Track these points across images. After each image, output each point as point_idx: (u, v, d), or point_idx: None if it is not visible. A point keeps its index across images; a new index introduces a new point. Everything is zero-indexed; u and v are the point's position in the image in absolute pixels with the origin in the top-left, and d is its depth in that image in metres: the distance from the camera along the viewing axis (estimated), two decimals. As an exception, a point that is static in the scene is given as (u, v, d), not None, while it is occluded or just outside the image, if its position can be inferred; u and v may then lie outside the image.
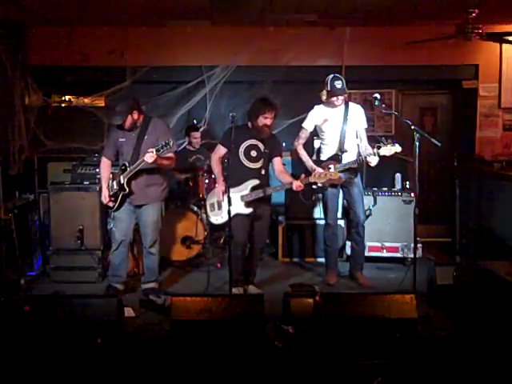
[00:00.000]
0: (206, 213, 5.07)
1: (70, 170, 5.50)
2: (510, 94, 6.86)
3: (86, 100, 6.66)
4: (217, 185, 4.88)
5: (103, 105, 6.63)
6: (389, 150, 4.70)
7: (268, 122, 4.67)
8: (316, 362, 3.43)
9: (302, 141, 5.19)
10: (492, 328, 3.85)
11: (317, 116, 5.10)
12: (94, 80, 6.68)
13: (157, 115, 6.67)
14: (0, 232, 4.94)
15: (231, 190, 4.62)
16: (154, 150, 4.36)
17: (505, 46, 6.73)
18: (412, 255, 4.68)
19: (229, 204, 4.45)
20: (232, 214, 4.61)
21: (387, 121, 7.31)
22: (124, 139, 4.73)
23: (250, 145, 4.75)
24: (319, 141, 5.30)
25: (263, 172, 4.79)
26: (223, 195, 4.70)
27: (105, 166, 4.88)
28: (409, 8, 5.75)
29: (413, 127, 4.38)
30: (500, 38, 6.38)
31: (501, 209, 5.58)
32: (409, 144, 4.72)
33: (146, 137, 4.68)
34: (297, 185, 4.63)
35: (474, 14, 5.76)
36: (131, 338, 3.87)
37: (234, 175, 4.68)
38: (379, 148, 4.74)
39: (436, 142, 4.48)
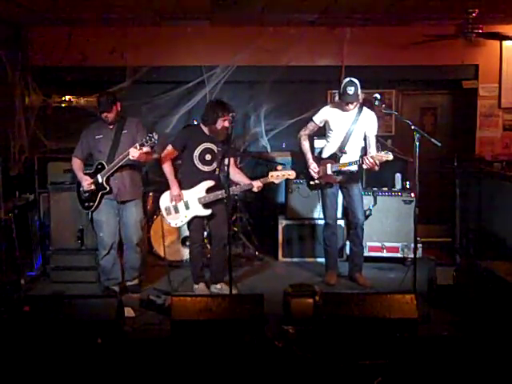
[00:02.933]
0: (162, 217, 5.01)
1: (70, 170, 5.48)
2: (510, 94, 6.86)
3: (87, 100, 6.66)
4: (171, 188, 4.78)
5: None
6: (380, 157, 4.75)
7: (227, 124, 4.62)
8: (316, 362, 3.43)
9: (308, 132, 5.17)
10: (492, 328, 3.85)
11: (327, 113, 5.07)
12: (94, 80, 6.67)
13: (157, 115, 6.78)
14: (0, 232, 4.94)
15: (186, 192, 4.66)
16: (137, 144, 4.34)
17: (505, 45, 6.74)
18: (412, 255, 4.68)
19: (186, 208, 4.60)
20: (190, 216, 4.67)
21: (387, 121, 7.31)
22: (101, 136, 4.69)
23: (205, 148, 4.70)
24: (323, 141, 5.30)
25: (217, 173, 4.78)
26: (179, 199, 4.70)
27: (77, 163, 4.82)
28: (409, 8, 5.75)
29: (413, 127, 4.38)
30: (500, 37, 6.37)
31: (501, 209, 5.57)
32: (409, 144, 4.72)
33: (124, 131, 4.67)
34: (257, 185, 4.62)
35: (474, 14, 5.76)
36: (131, 337, 3.88)
37: (189, 177, 4.67)
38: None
39: (436, 142, 4.48)
